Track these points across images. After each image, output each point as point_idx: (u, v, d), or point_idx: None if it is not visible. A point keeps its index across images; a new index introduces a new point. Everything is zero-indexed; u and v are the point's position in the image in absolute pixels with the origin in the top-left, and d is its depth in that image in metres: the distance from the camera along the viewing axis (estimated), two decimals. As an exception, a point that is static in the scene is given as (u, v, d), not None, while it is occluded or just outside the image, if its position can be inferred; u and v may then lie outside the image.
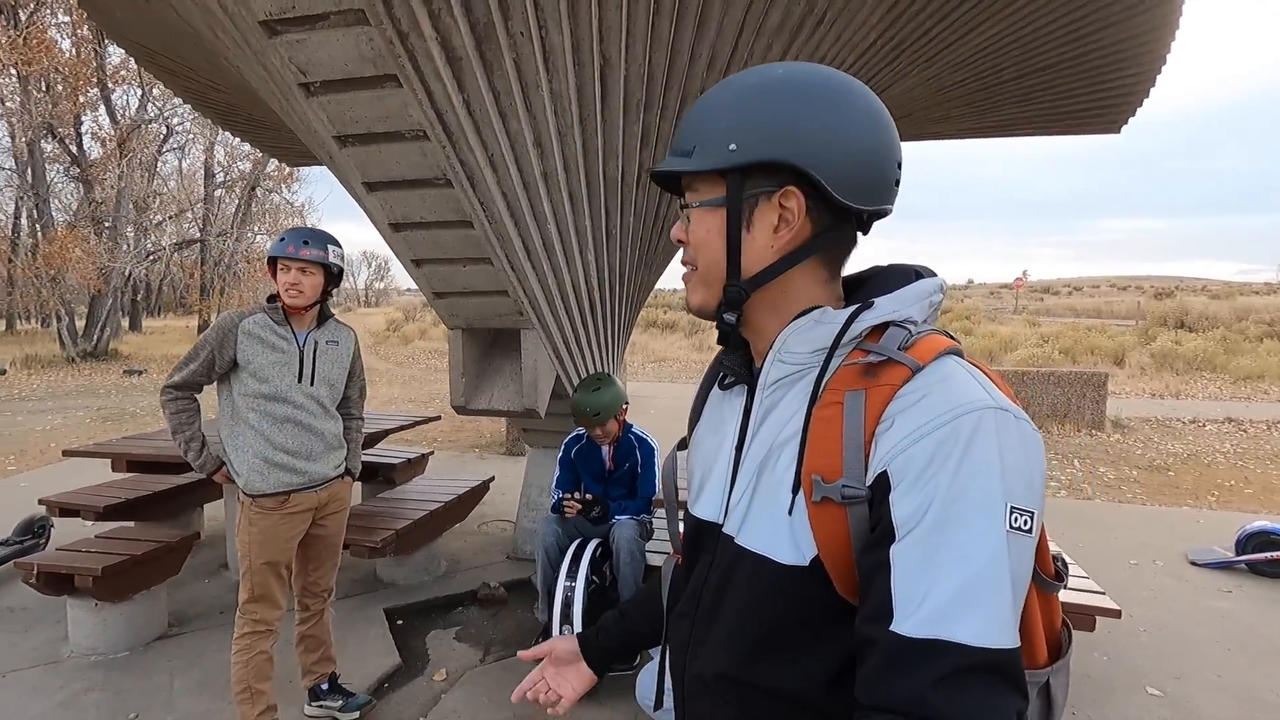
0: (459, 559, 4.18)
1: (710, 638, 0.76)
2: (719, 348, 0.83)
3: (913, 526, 0.60)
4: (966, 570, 0.58)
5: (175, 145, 20.53)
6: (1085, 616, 2.60)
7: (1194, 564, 4.27)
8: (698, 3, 2.49)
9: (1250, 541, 4.15)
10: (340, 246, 2.36)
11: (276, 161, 14.96)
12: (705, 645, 0.77)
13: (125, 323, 22.41)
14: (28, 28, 14.61)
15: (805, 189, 0.70)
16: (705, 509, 0.81)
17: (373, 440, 4.48)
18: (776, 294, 0.74)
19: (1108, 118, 4.70)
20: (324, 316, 2.44)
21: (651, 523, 3.25)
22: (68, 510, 3.73)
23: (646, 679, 2.14)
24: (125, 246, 17.89)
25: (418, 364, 16.35)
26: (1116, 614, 2.59)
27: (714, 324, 0.77)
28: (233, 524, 3.01)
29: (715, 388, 0.86)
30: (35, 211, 17.28)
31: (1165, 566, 4.25)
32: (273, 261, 2.28)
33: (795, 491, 0.68)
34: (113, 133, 17.72)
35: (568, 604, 2.82)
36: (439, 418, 5.95)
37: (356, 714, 2.61)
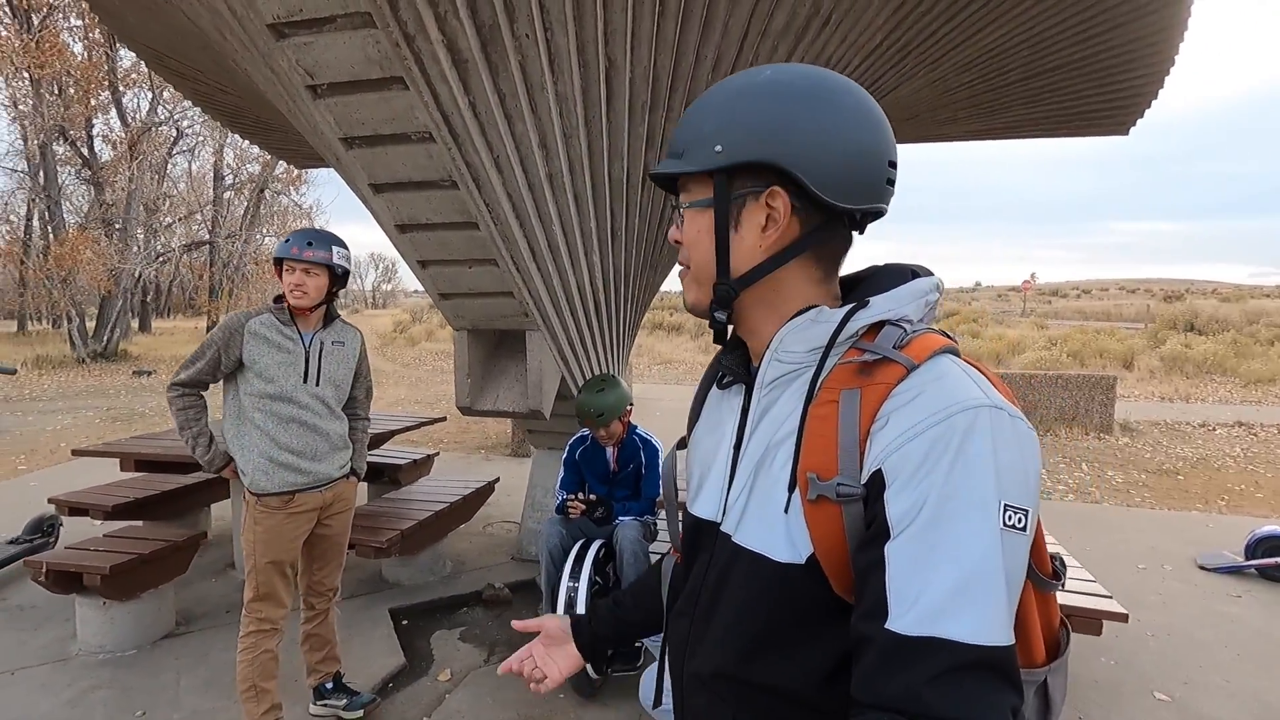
0: (464, 560, 4.19)
1: (708, 636, 0.76)
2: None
3: (907, 524, 0.61)
4: (961, 568, 0.58)
5: (185, 148, 20.72)
6: (1092, 620, 2.57)
7: (1203, 568, 4.23)
8: (703, 5, 2.49)
9: (1260, 546, 4.12)
10: (346, 248, 2.37)
11: (285, 164, 15.04)
12: (703, 643, 0.77)
13: (135, 324, 22.58)
14: (40, 31, 14.78)
15: (791, 189, 0.70)
16: (703, 508, 0.81)
17: (379, 441, 4.50)
18: (769, 293, 0.75)
19: (1116, 119, 4.68)
20: (330, 317, 2.45)
21: (655, 524, 3.25)
22: (77, 509, 3.77)
23: (649, 680, 2.14)
24: (135, 248, 18.00)
25: (424, 365, 16.41)
26: (1124, 618, 2.57)
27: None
28: (239, 524, 3.02)
29: (714, 387, 0.87)
30: (47, 213, 17.43)
31: (1174, 571, 4.22)
32: (278, 262, 2.29)
33: (791, 490, 0.68)
34: (123, 135, 17.87)
35: (571, 605, 2.82)
36: (445, 419, 5.96)
37: (360, 713, 2.62)
